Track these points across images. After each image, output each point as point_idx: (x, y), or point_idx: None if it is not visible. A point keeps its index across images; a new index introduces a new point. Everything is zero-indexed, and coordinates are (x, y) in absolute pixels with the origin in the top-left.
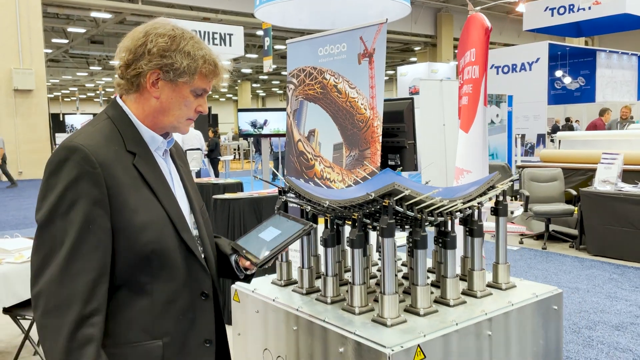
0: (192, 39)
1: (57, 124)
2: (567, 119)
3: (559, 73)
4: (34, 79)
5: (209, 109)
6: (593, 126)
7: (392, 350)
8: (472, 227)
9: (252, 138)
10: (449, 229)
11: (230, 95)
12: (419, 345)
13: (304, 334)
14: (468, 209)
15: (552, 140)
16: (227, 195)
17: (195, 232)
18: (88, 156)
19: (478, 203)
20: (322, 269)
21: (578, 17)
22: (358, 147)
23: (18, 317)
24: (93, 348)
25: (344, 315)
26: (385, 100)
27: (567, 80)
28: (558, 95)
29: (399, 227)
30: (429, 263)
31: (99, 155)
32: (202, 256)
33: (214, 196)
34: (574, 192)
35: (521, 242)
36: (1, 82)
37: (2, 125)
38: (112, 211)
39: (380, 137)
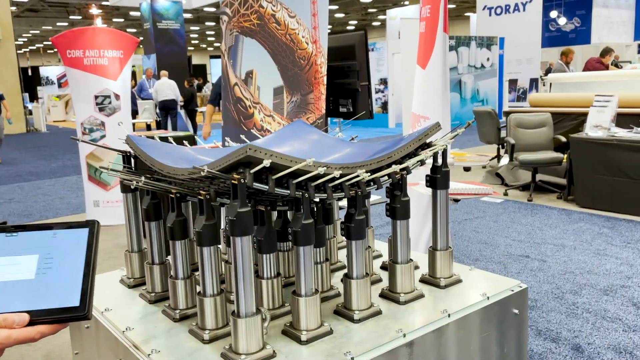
0: None
1: (35, 76)
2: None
3: (553, 14)
4: (0, 29)
5: (189, 58)
6: (592, 68)
7: None
8: (394, 205)
9: None
10: (356, 210)
11: (219, 45)
12: None
13: None
14: (386, 177)
15: (544, 84)
16: None
17: None
18: None
19: (402, 169)
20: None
21: None
22: (300, 91)
23: None
24: None
25: (185, 344)
26: (332, 34)
27: (562, 21)
28: (552, 38)
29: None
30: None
31: None
32: None
33: None
34: (563, 139)
35: (505, 194)
36: None
37: None
38: None
39: (325, 78)
